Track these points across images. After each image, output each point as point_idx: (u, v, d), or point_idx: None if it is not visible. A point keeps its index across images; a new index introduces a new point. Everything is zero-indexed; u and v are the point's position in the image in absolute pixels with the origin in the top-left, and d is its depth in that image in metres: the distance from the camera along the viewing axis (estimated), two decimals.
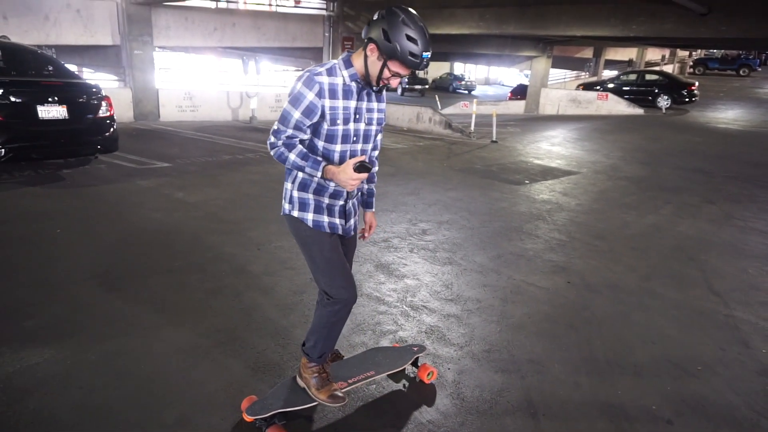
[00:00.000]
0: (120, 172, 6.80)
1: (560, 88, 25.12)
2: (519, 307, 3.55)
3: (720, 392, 2.71)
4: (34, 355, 2.70)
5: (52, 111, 5.63)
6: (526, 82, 28.43)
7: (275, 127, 2.04)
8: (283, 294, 3.55)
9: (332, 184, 2.11)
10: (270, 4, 17.49)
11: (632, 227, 5.55)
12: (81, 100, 5.95)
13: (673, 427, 2.41)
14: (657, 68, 28.53)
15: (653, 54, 34.86)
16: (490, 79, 49.31)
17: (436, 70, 41.00)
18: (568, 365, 2.88)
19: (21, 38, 10.08)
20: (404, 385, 2.65)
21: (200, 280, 3.71)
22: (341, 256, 2.21)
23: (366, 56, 1.98)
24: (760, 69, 35.01)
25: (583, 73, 31.46)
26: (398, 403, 2.51)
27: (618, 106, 18.57)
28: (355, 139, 2.11)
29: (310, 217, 2.14)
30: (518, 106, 23.43)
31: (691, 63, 35.84)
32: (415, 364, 2.71)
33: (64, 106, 5.71)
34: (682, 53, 37.93)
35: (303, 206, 2.14)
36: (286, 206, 2.19)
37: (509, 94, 29.70)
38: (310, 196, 2.14)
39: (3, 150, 5.33)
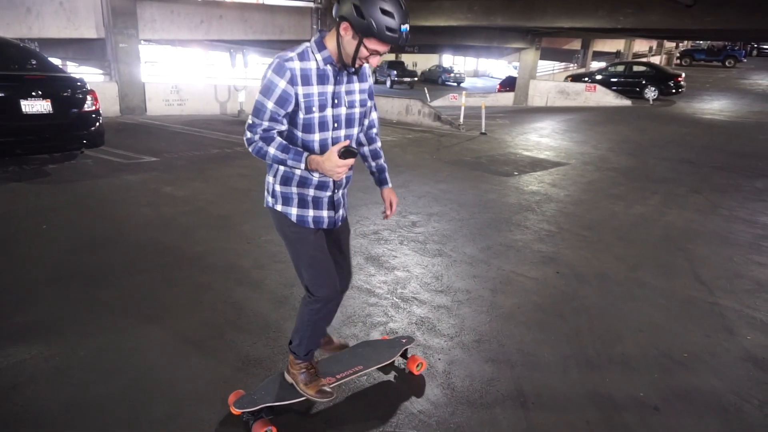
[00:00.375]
0: (107, 167, 6.73)
1: (549, 79, 25.21)
2: (509, 298, 3.58)
3: (705, 379, 2.75)
4: (22, 351, 2.67)
5: (36, 105, 5.54)
6: (514, 74, 28.45)
7: (250, 121, 1.91)
8: (273, 288, 3.55)
9: (316, 175, 2.02)
10: None
11: (620, 218, 5.60)
12: (65, 94, 5.86)
13: (659, 414, 2.45)
14: (644, 59, 28.71)
15: (641, 45, 35.07)
16: (479, 71, 49.32)
17: (425, 62, 40.95)
18: (557, 354, 2.91)
19: (3, 31, 9.91)
20: (394, 376, 2.66)
21: (189, 275, 3.69)
22: (325, 254, 2.15)
23: (339, 36, 1.83)
24: (745, 60, 35.35)
25: (572, 65, 31.59)
26: (389, 394, 2.53)
27: (606, 98, 18.68)
28: (336, 125, 1.99)
29: (294, 212, 2.06)
30: (507, 98, 23.47)
31: (678, 54, 36.12)
32: (404, 355, 2.72)
33: (49, 100, 5.62)
34: (669, 44, 38.20)
35: (286, 200, 2.06)
36: (269, 199, 2.11)
37: (498, 86, 29.73)
38: (294, 189, 2.04)
39: None
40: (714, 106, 17.63)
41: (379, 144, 2.31)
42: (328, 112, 1.95)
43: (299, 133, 1.95)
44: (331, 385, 2.31)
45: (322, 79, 1.91)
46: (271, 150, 1.90)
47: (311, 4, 16.32)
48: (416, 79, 34.05)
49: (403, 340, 2.74)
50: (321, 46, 1.91)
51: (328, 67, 1.92)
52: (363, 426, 2.29)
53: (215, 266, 3.85)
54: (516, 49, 24.86)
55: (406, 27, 1.78)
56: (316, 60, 1.90)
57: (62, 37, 11.66)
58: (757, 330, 3.29)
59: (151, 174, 6.48)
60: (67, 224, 4.59)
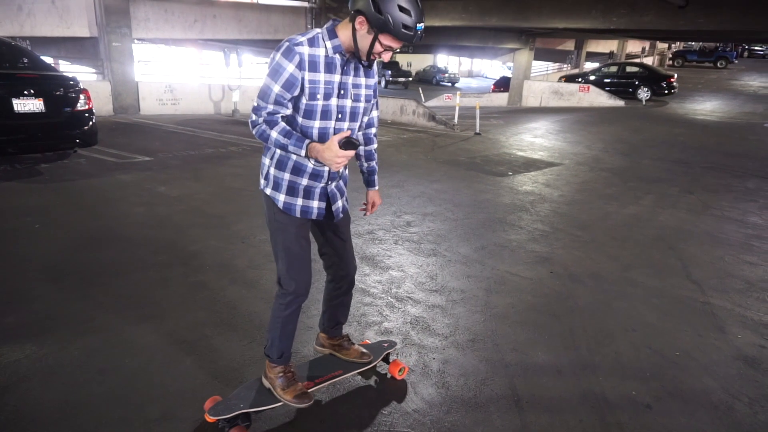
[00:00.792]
0: (100, 166, 6.69)
1: (543, 80, 25.28)
2: (503, 297, 3.59)
3: (697, 377, 2.78)
4: (14, 351, 2.66)
5: (28, 104, 5.51)
6: (509, 74, 28.54)
7: (255, 103, 1.91)
8: (267, 287, 3.54)
9: (311, 164, 2.01)
10: None
11: (614, 218, 5.63)
12: (58, 93, 5.82)
13: (652, 412, 2.47)
14: (637, 60, 28.86)
15: (634, 46, 35.26)
16: (473, 72, 49.43)
17: (419, 62, 40.96)
18: (551, 353, 2.93)
19: None
20: (375, 381, 2.63)
21: (184, 275, 3.68)
22: (304, 249, 2.12)
23: (354, 30, 1.83)
24: (736, 61, 35.62)
25: (566, 66, 31.70)
26: (383, 393, 2.53)
27: (599, 98, 18.78)
28: (340, 116, 1.98)
29: (281, 198, 2.05)
30: (501, 99, 23.53)
31: (671, 55, 36.34)
32: (386, 360, 2.67)
33: (41, 99, 5.59)
34: (662, 45, 38.43)
35: (276, 186, 2.05)
36: (262, 182, 2.11)
37: (492, 87, 29.82)
38: (286, 175, 2.03)
39: None
40: (706, 107, 17.76)
41: (375, 146, 2.31)
42: (333, 101, 1.94)
43: (299, 119, 1.95)
44: (309, 390, 2.26)
45: (329, 67, 1.90)
46: (274, 134, 1.89)
47: (306, 4, 16.30)
48: (411, 79, 34.07)
49: (386, 344, 2.68)
50: (332, 34, 1.90)
51: (337, 56, 1.91)
52: (358, 425, 2.29)
53: (209, 265, 3.84)
54: (510, 50, 24.92)
55: (421, 25, 1.79)
56: (325, 47, 1.89)
57: (54, 36, 11.60)
58: (747, 329, 3.32)
59: (145, 173, 6.46)
60: (60, 224, 4.56)
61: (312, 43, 1.87)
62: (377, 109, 2.23)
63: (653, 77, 19.90)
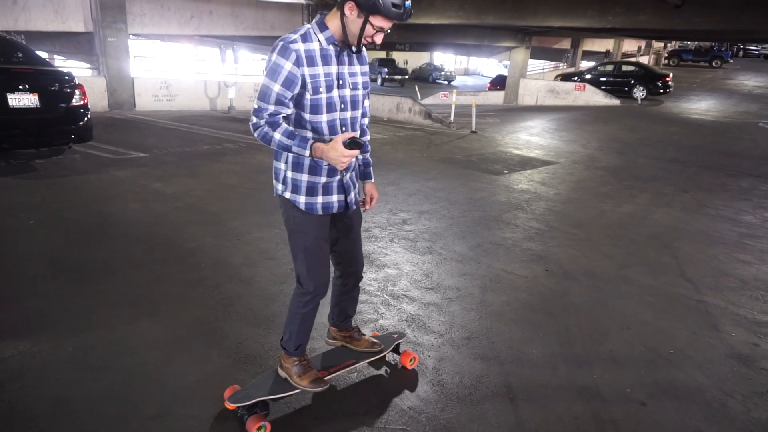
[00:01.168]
0: (95, 162, 6.66)
1: (539, 78, 25.30)
2: (498, 295, 3.60)
3: (691, 374, 2.80)
4: (8, 348, 2.65)
5: (22, 99, 5.48)
6: (505, 72, 28.54)
7: (255, 105, 1.91)
8: (263, 284, 3.54)
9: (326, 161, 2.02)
10: None
11: (609, 216, 5.65)
12: (53, 88, 5.79)
13: (646, 409, 2.49)
14: (633, 59, 28.94)
15: (630, 45, 35.31)
16: (469, 70, 49.42)
17: (415, 60, 40.94)
18: (546, 351, 2.94)
19: None
20: (385, 371, 2.68)
21: (179, 272, 3.67)
22: (323, 250, 2.18)
23: (344, 16, 1.86)
24: (731, 61, 35.75)
25: (562, 64, 31.74)
26: (379, 390, 2.54)
27: (595, 97, 18.82)
28: (342, 106, 2.01)
29: (302, 200, 2.06)
30: (497, 97, 23.55)
31: (666, 54, 36.45)
32: (396, 350, 2.74)
33: (36, 94, 5.56)
34: (658, 45, 38.52)
35: (296, 188, 2.06)
36: (279, 186, 2.11)
37: (488, 85, 29.78)
38: (305, 177, 2.04)
39: None
40: (701, 106, 17.83)
41: (368, 137, 2.31)
42: (335, 92, 1.98)
43: (307, 116, 1.97)
44: (324, 378, 2.33)
45: (326, 59, 1.93)
46: (277, 135, 1.90)
47: (302, 0, 16.25)
48: (407, 76, 34.02)
49: (395, 336, 2.75)
50: (323, 26, 1.93)
51: (331, 48, 1.95)
52: (353, 422, 2.29)
53: (205, 263, 3.83)
54: (506, 48, 24.93)
55: (409, 2, 1.84)
56: (318, 40, 1.92)
57: (49, 30, 11.52)
58: (741, 327, 3.34)
59: (141, 170, 6.43)
60: (54, 220, 4.54)
61: (305, 38, 1.90)
62: (368, 98, 2.24)
63: (649, 76, 19.96)
